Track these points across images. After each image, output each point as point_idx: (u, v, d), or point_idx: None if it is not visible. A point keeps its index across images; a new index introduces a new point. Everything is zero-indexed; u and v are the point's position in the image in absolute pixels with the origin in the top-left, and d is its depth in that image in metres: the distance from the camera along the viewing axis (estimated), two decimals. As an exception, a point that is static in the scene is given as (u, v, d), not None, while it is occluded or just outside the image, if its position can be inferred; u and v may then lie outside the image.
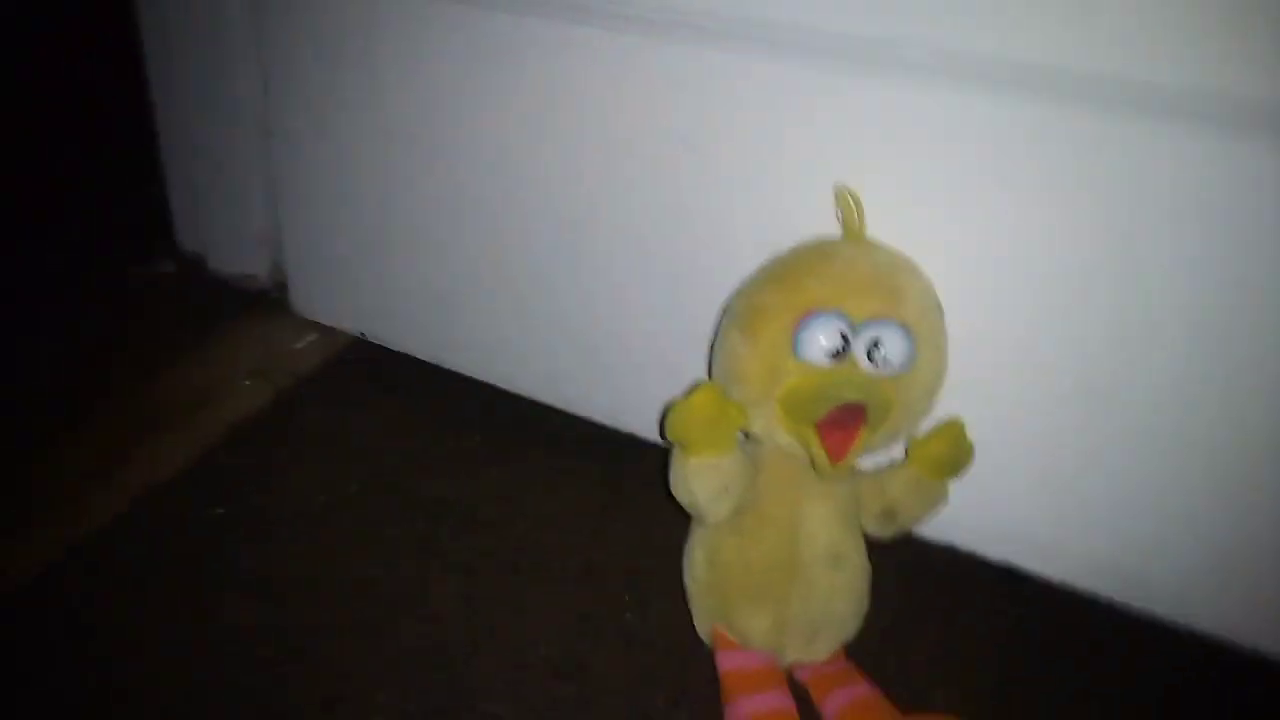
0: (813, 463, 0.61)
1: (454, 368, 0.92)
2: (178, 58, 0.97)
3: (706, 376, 0.70)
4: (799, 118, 0.67)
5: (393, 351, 0.95)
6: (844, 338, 0.60)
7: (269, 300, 1.03)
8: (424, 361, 0.93)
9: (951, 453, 0.66)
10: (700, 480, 0.61)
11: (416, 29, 0.79)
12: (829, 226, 0.66)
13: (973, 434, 0.66)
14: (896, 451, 0.67)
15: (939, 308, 0.64)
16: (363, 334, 0.97)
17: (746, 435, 0.65)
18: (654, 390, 0.78)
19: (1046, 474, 0.69)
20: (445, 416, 0.89)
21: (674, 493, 0.63)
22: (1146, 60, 0.57)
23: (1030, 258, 0.64)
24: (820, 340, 0.60)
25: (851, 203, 0.65)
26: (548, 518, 0.79)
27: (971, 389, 0.66)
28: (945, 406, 0.65)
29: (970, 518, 0.71)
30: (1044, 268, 0.64)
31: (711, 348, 0.67)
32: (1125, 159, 0.59)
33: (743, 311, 0.63)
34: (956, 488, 0.67)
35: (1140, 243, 0.61)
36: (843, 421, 0.59)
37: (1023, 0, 0.59)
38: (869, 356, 0.60)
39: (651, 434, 0.81)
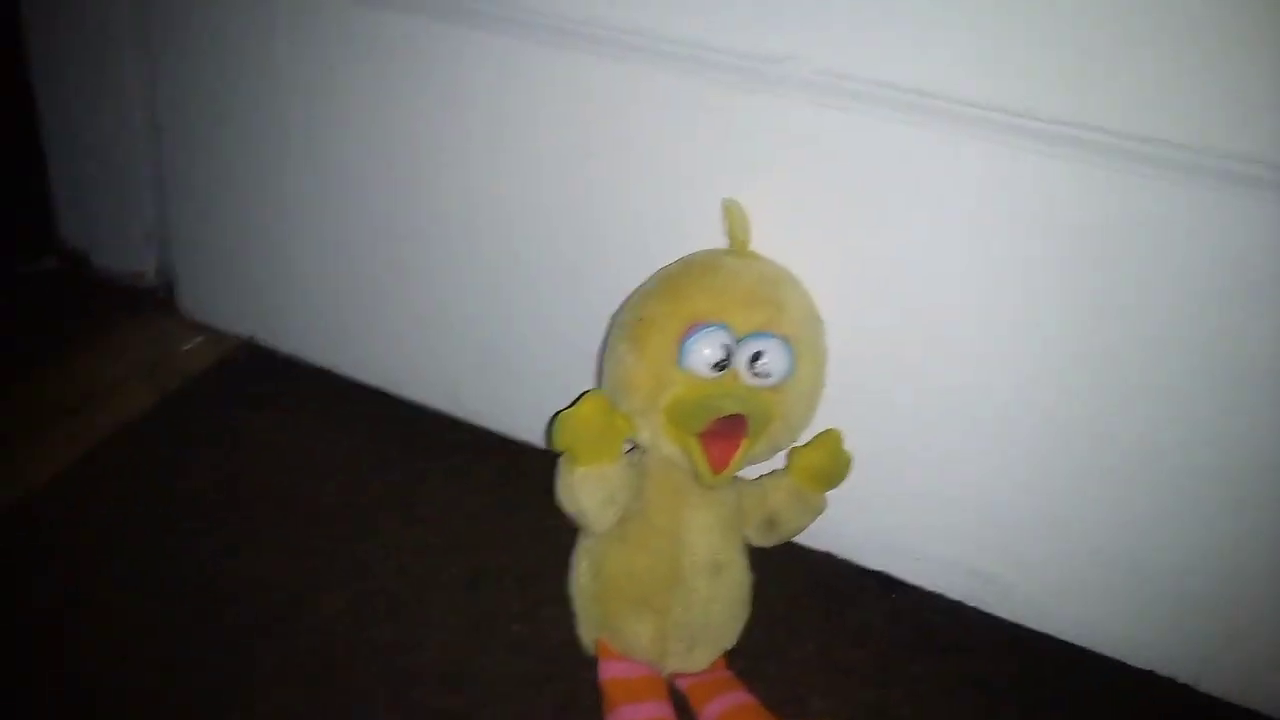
0: (695, 473, 0.62)
1: (346, 373, 0.91)
2: (61, 47, 0.94)
3: (595, 386, 0.70)
4: (687, 131, 0.69)
5: (283, 355, 0.94)
6: (726, 350, 0.61)
7: (156, 300, 1.00)
8: (315, 366, 0.92)
9: (830, 463, 0.68)
10: (586, 489, 0.62)
11: (311, 25, 0.78)
12: (716, 239, 0.67)
13: (850, 444, 0.68)
14: (778, 462, 0.68)
15: (818, 320, 0.66)
16: (253, 337, 0.95)
17: (633, 445, 0.66)
18: (546, 398, 0.78)
19: (917, 482, 0.72)
20: (335, 421, 0.88)
21: (560, 501, 0.64)
22: (998, 81, 0.60)
23: (903, 270, 0.67)
24: (704, 352, 0.61)
25: (738, 216, 0.66)
26: (438, 524, 0.79)
27: (849, 399, 0.68)
28: (824, 417, 0.67)
29: (848, 526, 0.74)
30: (915, 280, 0.67)
31: (600, 357, 0.68)
32: (988, 174, 0.62)
33: (630, 322, 0.64)
34: (835, 496, 0.69)
35: (999, 248, 0.64)
36: (725, 433, 0.61)
37: (904, 26, 0.61)
38: (751, 368, 0.62)
39: (543, 441, 0.82)
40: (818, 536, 0.74)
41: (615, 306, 0.68)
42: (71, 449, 0.83)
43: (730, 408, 0.60)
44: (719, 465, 0.61)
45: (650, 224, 0.72)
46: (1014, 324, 0.65)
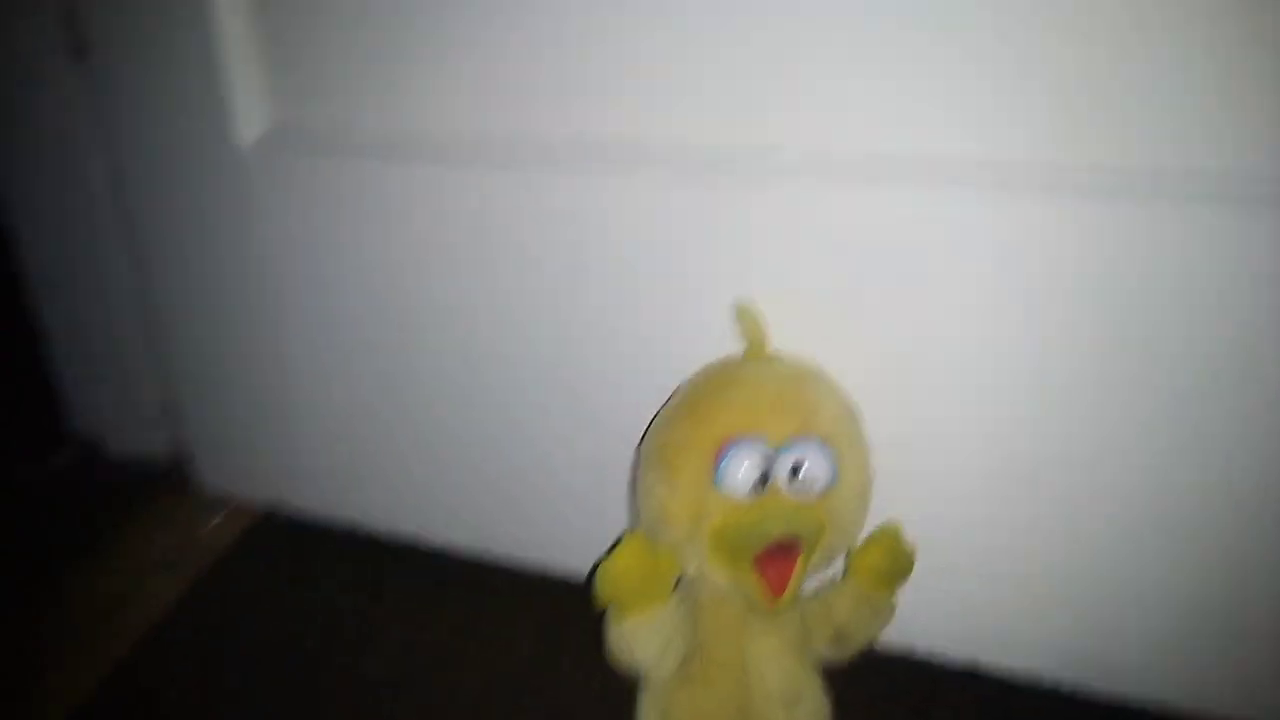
0: (753, 602, 0.58)
1: (374, 527, 0.88)
2: (47, 235, 0.93)
3: (630, 523, 0.66)
4: (684, 237, 0.66)
5: (308, 518, 0.91)
6: (764, 466, 0.57)
7: (173, 479, 0.98)
8: (342, 524, 0.89)
9: (891, 561, 0.63)
10: (641, 640, 0.58)
11: (286, 184, 0.76)
12: (730, 345, 0.64)
13: (911, 534, 0.64)
14: (837, 567, 0.64)
15: (854, 413, 0.62)
16: (275, 504, 0.92)
17: (680, 578, 0.62)
18: (582, 527, 0.75)
19: (991, 563, 0.67)
20: (368, 581, 0.85)
21: (614, 656, 0.60)
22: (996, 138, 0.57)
23: (934, 342, 0.63)
24: (740, 472, 0.57)
25: (752, 318, 0.63)
26: (488, 680, 0.75)
27: (900, 486, 0.63)
28: (878, 510, 0.63)
29: (923, 619, 0.69)
30: (948, 350, 0.63)
31: (631, 491, 0.64)
32: (1004, 231, 0.59)
33: (657, 451, 0.61)
34: (906, 590, 0.64)
35: (1043, 319, 0.60)
36: (778, 556, 0.57)
37: (890, 92, 0.58)
38: (792, 481, 0.58)
39: (585, 575, 0.77)
40: (893, 634, 0.69)
41: (636, 426, 0.64)
42: (102, 663, 0.79)
43: (780, 531, 0.56)
44: (777, 591, 0.57)
45: (659, 338, 0.69)
46: (1065, 388, 0.61)
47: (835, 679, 0.64)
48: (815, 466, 0.58)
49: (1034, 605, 0.67)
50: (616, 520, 0.73)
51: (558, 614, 0.79)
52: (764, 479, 0.57)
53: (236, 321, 0.84)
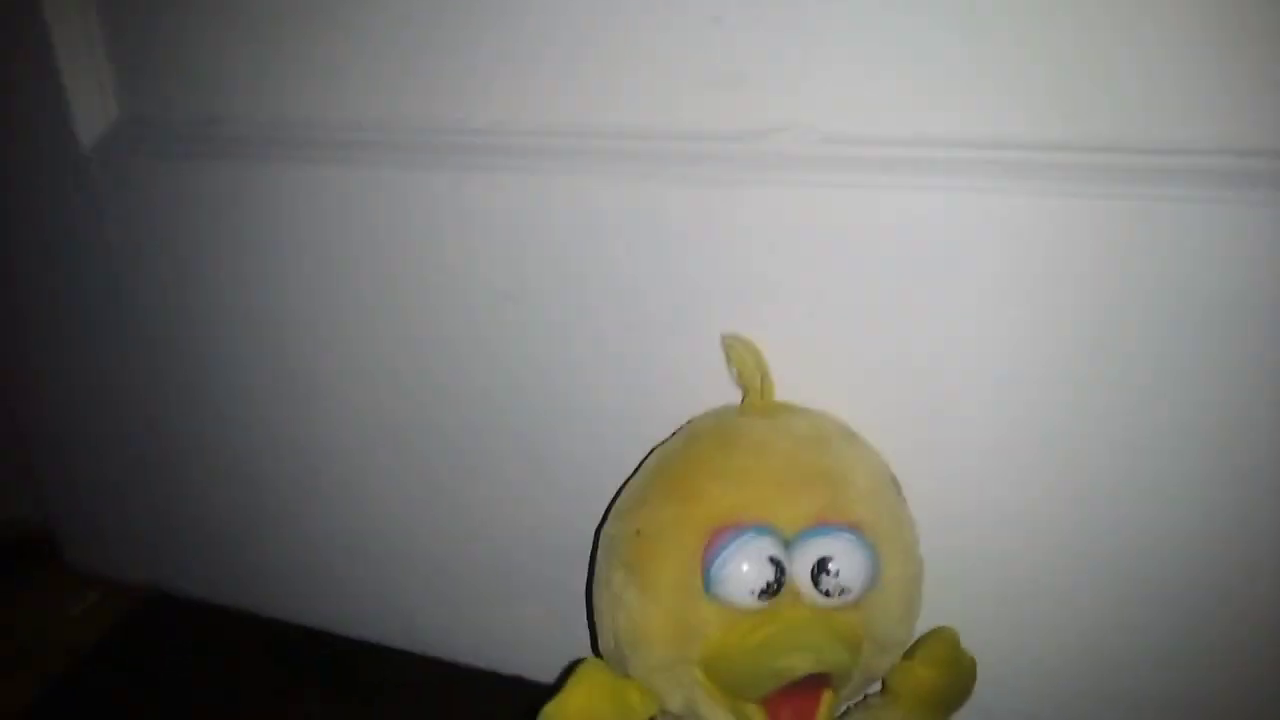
0: (763, 756, 0.41)
1: (273, 614, 0.70)
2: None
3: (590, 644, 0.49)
4: (646, 247, 0.48)
5: (195, 601, 0.73)
6: (776, 565, 0.40)
7: (36, 553, 0.79)
8: (235, 609, 0.71)
9: (949, 680, 0.47)
10: (604, 815, 0.41)
11: (138, 187, 0.59)
12: (725, 394, 0.47)
13: (970, 643, 0.47)
14: (875, 686, 0.47)
15: (894, 482, 0.45)
16: (155, 584, 0.74)
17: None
18: (528, 618, 0.58)
19: (1088, 675, 0.50)
20: (271, 675, 0.67)
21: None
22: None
23: (988, 375, 0.46)
24: (742, 574, 0.41)
25: (747, 356, 0.46)
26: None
27: (961, 580, 0.47)
28: (931, 612, 0.46)
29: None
30: (1008, 386, 0.46)
31: (588, 594, 0.47)
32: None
33: (624, 541, 0.44)
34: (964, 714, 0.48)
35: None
36: (797, 696, 0.40)
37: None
38: (816, 583, 0.41)
39: (537, 674, 0.60)
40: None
41: (598, 496, 0.48)
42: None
43: (805, 667, 0.39)
44: (797, 744, 0.40)
45: (630, 383, 0.51)
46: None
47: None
48: (849, 565, 0.41)
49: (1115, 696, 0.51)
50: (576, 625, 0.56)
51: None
52: (777, 583, 0.40)
53: (92, 354, 0.66)
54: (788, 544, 0.41)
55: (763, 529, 0.41)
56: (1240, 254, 0.40)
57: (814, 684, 0.40)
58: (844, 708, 0.48)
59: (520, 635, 0.60)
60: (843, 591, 0.41)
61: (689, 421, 0.47)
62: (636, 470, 0.46)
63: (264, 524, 0.67)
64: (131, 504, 0.73)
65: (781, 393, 0.46)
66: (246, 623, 0.71)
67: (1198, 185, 0.40)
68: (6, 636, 0.74)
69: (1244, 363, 0.41)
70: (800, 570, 0.41)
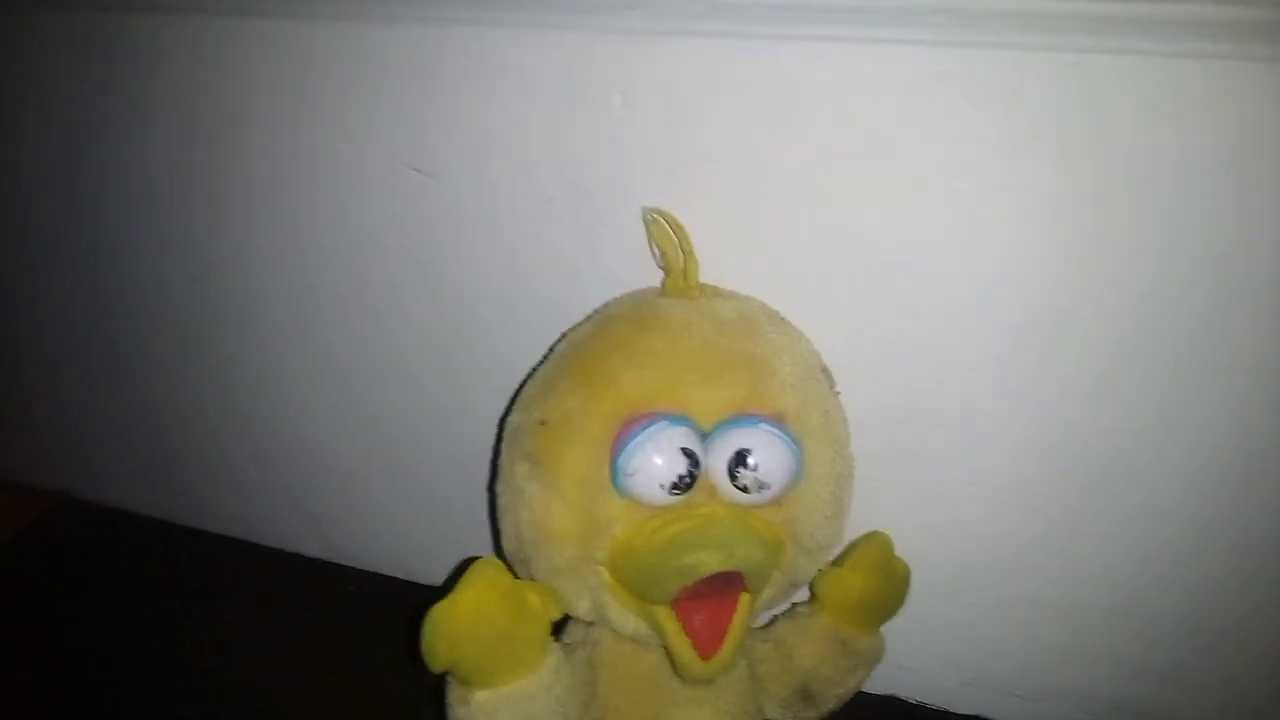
0: (673, 662, 0.38)
1: (182, 521, 0.66)
2: None
3: (490, 540, 0.45)
4: (557, 107, 0.44)
5: (104, 507, 0.69)
6: (690, 456, 0.37)
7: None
8: (146, 517, 0.68)
9: (880, 586, 0.44)
10: (499, 723, 0.38)
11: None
12: (645, 274, 0.43)
13: (905, 549, 0.44)
14: (801, 594, 0.44)
15: (825, 373, 0.42)
16: (63, 490, 0.70)
17: (565, 624, 0.41)
18: (423, 526, 0.55)
19: (1009, 585, 0.47)
20: (178, 581, 0.64)
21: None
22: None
23: (936, 250, 0.42)
24: (654, 465, 0.37)
25: (670, 231, 0.42)
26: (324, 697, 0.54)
27: (895, 481, 0.43)
28: (859, 517, 0.42)
29: (917, 660, 0.49)
30: (953, 263, 0.42)
31: (491, 489, 0.43)
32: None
33: (528, 431, 0.40)
34: (894, 626, 0.45)
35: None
36: (710, 598, 0.37)
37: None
38: (733, 477, 0.37)
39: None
40: (879, 681, 0.48)
41: (503, 392, 0.43)
42: None
43: (714, 562, 0.36)
44: (708, 649, 0.37)
45: (536, 260, 0.47)
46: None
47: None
48: (769, 459, 0.37)
49: (1066, 645, 0.48)
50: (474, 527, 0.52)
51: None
52: (690, 477, 0.37)
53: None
54: (704, 435, 0.37)
55: (677, 418, 0.37)
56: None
57: (729, 586, 0.37)
58: (769, 617, 0.45)
59: (435, 542, 0.57)
60: (762, 487, 0.37)
61: (604, 306, 0.43)
62: (546, 357, 0.42)
63: (171, 428, 0.63)
64: (37, 408, 0.68)
65: (707, 274, 0.42)
66: (154, 529, 0.68)
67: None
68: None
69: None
70: (716, 463, 0.37)
